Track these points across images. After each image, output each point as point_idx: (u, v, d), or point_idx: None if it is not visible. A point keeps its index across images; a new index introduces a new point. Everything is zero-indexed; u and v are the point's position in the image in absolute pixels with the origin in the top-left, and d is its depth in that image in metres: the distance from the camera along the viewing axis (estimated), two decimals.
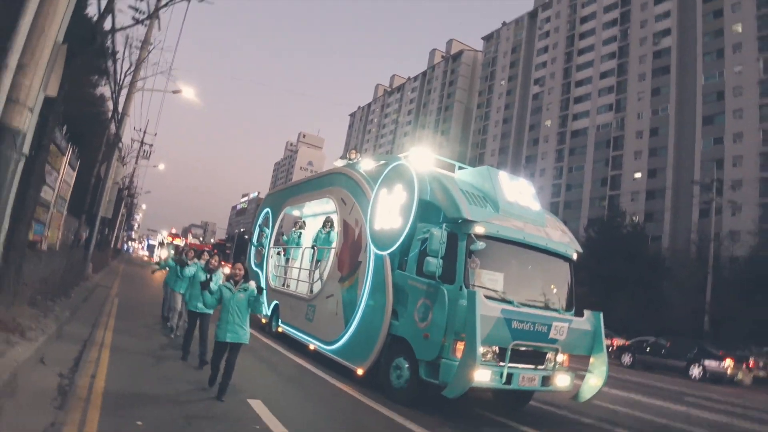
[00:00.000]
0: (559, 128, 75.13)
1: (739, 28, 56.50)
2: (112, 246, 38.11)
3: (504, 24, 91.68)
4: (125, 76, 17.38)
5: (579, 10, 77.30)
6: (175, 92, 24.19)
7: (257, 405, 5.43)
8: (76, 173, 15.91)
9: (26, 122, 5.62)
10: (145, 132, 32.83)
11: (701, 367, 21.25)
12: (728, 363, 21.62)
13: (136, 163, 36.61)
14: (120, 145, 23.90)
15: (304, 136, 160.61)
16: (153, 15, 13.49)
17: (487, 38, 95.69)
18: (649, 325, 33.23)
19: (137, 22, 13.38)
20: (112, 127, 20.94)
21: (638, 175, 63.04)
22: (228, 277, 6.29)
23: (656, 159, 62.41)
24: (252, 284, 6.20)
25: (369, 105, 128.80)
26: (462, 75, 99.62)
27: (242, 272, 6.08)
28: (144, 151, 33.99)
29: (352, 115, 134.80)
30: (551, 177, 74.33)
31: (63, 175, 13.45)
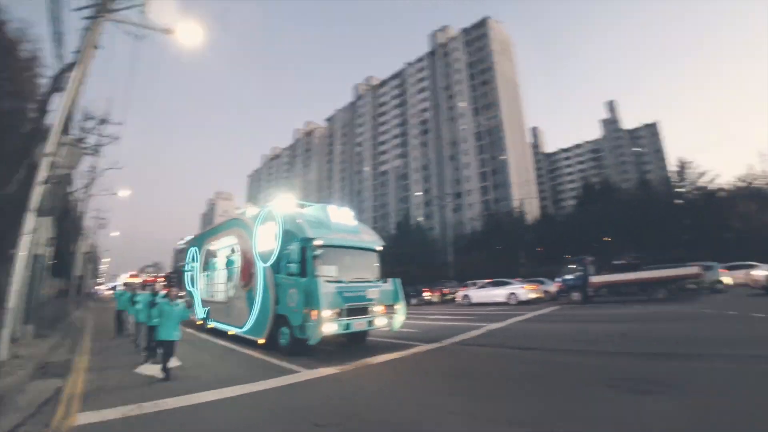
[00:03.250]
0: (373, 171, 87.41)
1: (461, 104, 71.39)
2: (83, 292, 36.78)
3: (336, 110, 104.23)
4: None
5: (378, 99, 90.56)
6: (115, 194, 25.25)
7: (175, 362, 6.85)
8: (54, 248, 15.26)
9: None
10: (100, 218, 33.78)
11: (420, 297, 27.45)
12: (429, 294, 27.88)
13: (95, 233, 36.94)
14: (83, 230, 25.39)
15: (219, 193, 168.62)
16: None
17: (329, 119, 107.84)
18: (428, 279, 37.18)
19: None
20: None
21: (418, 193, 75.34)
22: (167, 297, 6.97)
23: (427, 182, 74.78)
24: (181, 302, 7.02)
25: (259, 169, 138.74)
26: (315, 144, 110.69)
27: (176, 292, 7.01)
28: (101, 223, 34.85)
29: (250, 176, 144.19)
30: (372, 200, 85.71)
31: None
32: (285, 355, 8.11)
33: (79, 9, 8.18)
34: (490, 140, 67.72)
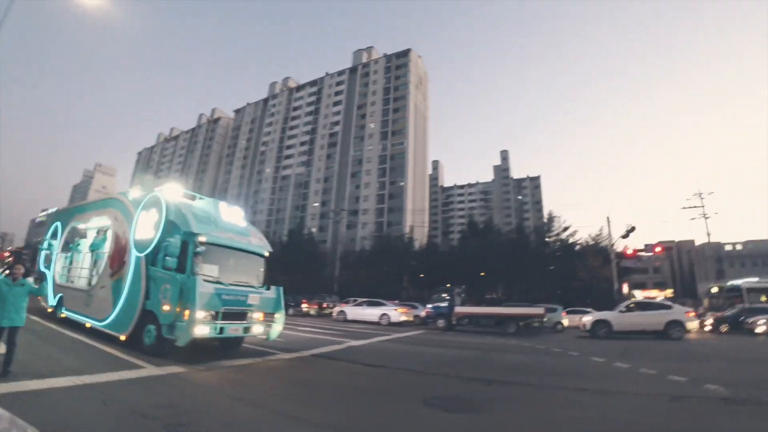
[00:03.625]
0: (274, 173, 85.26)
1: (372, 125, 73.46)
2: None
3: (248, 104, 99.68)
4: None
5: (293, 102, 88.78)
6: None
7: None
8: None
9: None
10: None
11: (298, 308, 26.60)
12: (306, 306, 27.31)
13: None
14: None
15: (100, 165, 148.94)
16: None
17: (237, 111, 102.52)
18: (313, 290, 36.61)
19: None
20: None
21: (316, 204, 75.28)
22: (8, 275, 5.84)
23: (326, 195, 75.05)
24: (29, 279, 6.21)
25: (152, 147, 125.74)
26: (219, 134, 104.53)
27: (21, 271, 5.90)
28: None
29: (140, 153, 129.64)
30: (269, 203, 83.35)
31: None
32: (148, 354, 7.54)
33: None
34: (393, 165, 70.56)
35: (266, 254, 9.69)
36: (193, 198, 10.03)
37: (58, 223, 13.71)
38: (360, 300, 24.13)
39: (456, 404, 5.38)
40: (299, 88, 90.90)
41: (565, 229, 43.97)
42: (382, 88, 76.43)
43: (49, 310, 12.04)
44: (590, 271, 36.34)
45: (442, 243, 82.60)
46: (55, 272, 12.73)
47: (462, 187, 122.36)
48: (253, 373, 7.07)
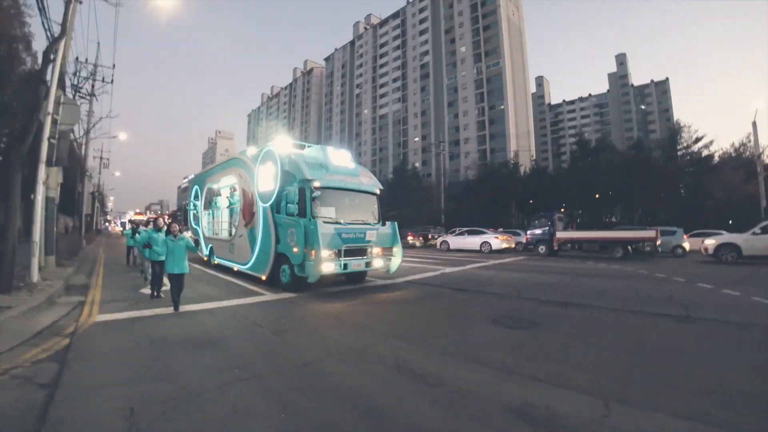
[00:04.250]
0: (372, 114, 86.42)
1: (463, 49, 69.46)
2: (94, 228, 41.61)
3: (335, 49, 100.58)
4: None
5: (378, 39, 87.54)
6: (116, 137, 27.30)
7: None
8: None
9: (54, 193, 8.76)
10: (102, 159, 36.42)
11: (404, 240, 25.58)
12: (412, 238, 28.84)
13: (99, 173, 39.45)
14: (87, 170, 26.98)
15: (219, 132, 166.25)
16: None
17: (327, 59, 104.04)
18: (421, 224, 39.49)
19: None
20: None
21: (416, 139, 75.33)
22: (168, 233, 7.05)
23: (425, 128, 74.50)
24: (186, 234, 7.38)
25: (258, 107, 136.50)
26: (314, 84, 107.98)
27: (177, 229, 7.04)
28: (104, 164, 37.45)
29: (249, 115, 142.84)
30: (371, 143, 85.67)
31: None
32: (286, 290, 8.59)
33: None
34: (490, 88, 66.41)
35: (377, 192, 10.06)
36: (302, 147, 10.68)
37: (197, 187, 15.52)
38: (462, 230, 24.59)
39: (518, 323, 5.87)
40: (382, 23, 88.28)
41: (697, 140, 37.81)
42: (469, 5, 70.58)
43: (205, 258, 14.07)
44: (728, 189, 31.47)
45: (553, 165, 77.79)
46: (203, 227, 14.59)
47: (572, 102, 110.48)
48: (345, 295, 8.32)
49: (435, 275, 11.72)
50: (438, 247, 25.03)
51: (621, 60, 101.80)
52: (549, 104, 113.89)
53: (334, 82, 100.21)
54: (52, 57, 9.02)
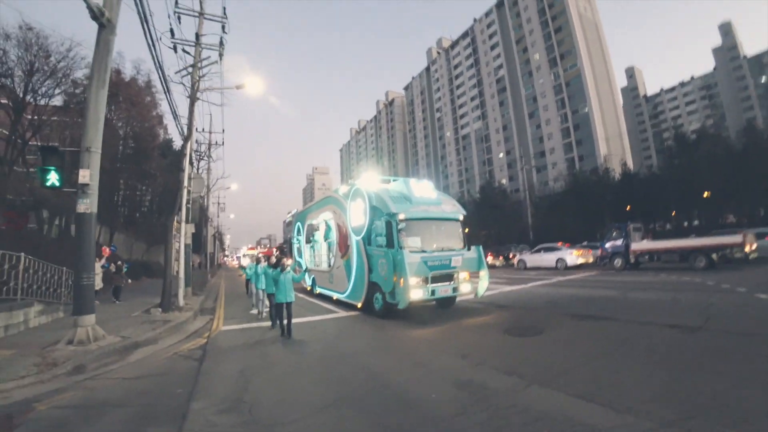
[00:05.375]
0: (454, 135, 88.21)
1: (536, 56, 68.58)
2: (216, 264, 50.84)
3: (413, 78, 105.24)
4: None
5: (452, 61, 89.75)
6: (229, 188, 36.68)
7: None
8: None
9: (189, 240, 21.45)
10: (219, 205, 43.49)
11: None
12: (491, 258, 29.61)
13: (218, 217, 48.51)
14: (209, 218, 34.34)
15: (316, 168, 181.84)
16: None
17: (406, 87, 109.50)
18: (508, 240, 41.33)
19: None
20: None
21: (501, 155, 75.25)
22: (276, 266, 8.21)
23: (509, 143, 73.97)
24: (288, 268, 8.17)
25: (348, 141, 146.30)
26: (397, 113, 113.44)
27: (288, 263, 8.20)
28: (221, 208, 44.37)
29: (341, 150, 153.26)
30: (456, 165, 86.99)
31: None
32: (379, 317, 9.43)
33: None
34: (570, 92, 64.37)
35: (461, 218, 10.42)
36: (387, 182, 11.32)
37: (299, 223, 17.06)
38: (539, 247, 24.79)
39: (526, 331, 7.02)
40: (453, 45, 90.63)
41: None
42: (536, 10, 69.66)
43: (308, 288, 15.52)
44: None
45: (661, 163, 70.85)
46: (305, 260, 16.03)
47: (672, 89, 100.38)
48: (398, 314, 9.50)
49: (490, 293, 12.17)
50: (515, 266, 25.34)
51: (726, 30, 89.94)
52: (645, 96, 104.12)
53: (415, 110, 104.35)
54: (185, 152, 13.08)
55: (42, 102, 19.11)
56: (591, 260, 21.89)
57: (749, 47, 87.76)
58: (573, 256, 21.52)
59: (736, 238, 15.69)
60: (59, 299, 10.90)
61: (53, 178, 7.29)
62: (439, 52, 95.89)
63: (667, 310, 8.23)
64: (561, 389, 4.08)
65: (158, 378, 5.59)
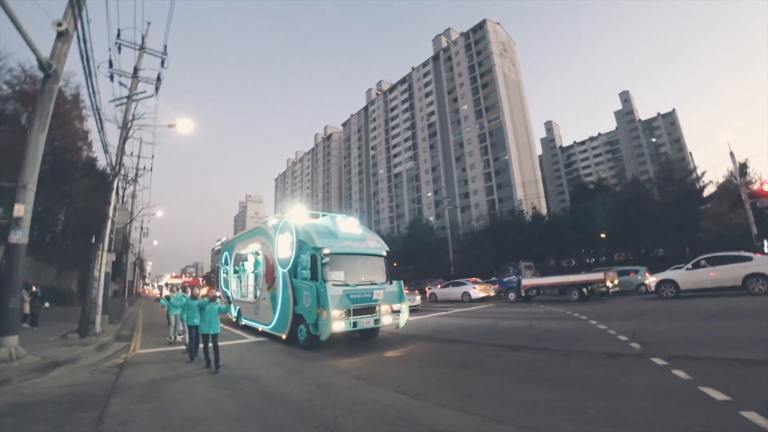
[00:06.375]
0: (387, 173, 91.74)
1: (465, 107, 74.50)
2: (135, 292, 49.65)
3: (351, 115, 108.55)
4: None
5: (389, 104, 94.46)
6: (154, 214, 36.83)
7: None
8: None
9: (108, 269, 20.03)
10: (142, 230, 40.26)
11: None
12: (408, 292, 27.77)
13: (140, 243, 45.48)
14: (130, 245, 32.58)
15: (249, 196, 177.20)
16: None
17: (344, 124, 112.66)
18: (435, 274, 42.38)
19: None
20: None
21: (429, 194, 79.36)
22: (205, 297, 8.31)
23: (437, 183, 78.51)
24: (218, 301, 8.15)
25: (284, 171, 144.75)
26: (334, 148, 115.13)
27: (213, 294, 8.57)
28: (144, 233, 41.60)
29: (276, 180, 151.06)
30: (387, 201, 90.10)
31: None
32: (303, 348, 9.50)
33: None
34: (493, 141, 70.23)
35: (384, 253, 10.72)
36: (316, 216, 11.81)
37: (227, 252, 16.78)
38: (447, 282, 27.02)
39: (397, 350, 8.89)
40: (392, 89, 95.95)
41: (689, 173, 38.95)
42: (467, 67, 76.61)
43: (233, 320, 15.50)
44: (715, 219, 31.57)
45: (564, 208, 78.09)
46: (232, 290, 15.82)
47: (582, 143, 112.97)
48: (317, 342, 9.71)
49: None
50: (428, 299, 27.02)
51: (625, 97, 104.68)
52: (561, 147, 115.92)
53: (352, 146, 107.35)
54: (113, 187, 13.85)
55: None
56: (493, 294, 24.21)
57: (644, 112, 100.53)
58: (476, 291, 23.70)
59: (599, 276, 18.52)
60: None
61: None
62: (377, 93, 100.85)
63: (516, 335, 10.00)
64: (390, 388, 5.71)
65: (81, 386, 6.60)
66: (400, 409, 4.64)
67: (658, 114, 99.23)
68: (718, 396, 4.22)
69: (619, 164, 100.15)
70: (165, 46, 14.75)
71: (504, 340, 9.42)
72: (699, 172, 38.97)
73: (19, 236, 8.06)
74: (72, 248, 30.99)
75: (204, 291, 14.42)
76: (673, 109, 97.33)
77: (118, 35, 13.76)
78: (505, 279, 22.41)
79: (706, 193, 36.79)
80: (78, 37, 8.51)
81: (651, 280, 17.13)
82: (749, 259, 14.57)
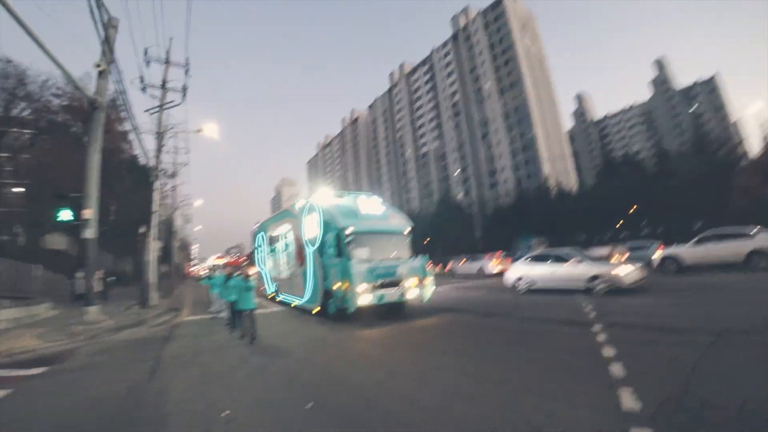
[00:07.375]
0: (415, 153, 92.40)
1: (487, 85, 73.53)
2: (182, 273, 54.65)
3: (376, 98, 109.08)
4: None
5: (412, 86, 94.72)
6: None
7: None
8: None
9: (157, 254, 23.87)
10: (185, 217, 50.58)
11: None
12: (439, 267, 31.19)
13: (185, 231, 54.45)
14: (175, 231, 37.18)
15: (284, 179, 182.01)
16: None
17: (370, 106, 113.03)
18: (464, 251, 39.10)
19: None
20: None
21: (457, 172, 79.72)
22: (239, 275, 8.73)
23: (464, 161, 78.59)
24: (252, 279, 8.72)
25: (316, 155, 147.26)
26: (361, 131, 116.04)
27: (247, 273, 8.68)
28: (187, 219, 45.38)
29: (308, 163, 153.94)
30: (416, 180, 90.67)
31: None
32: (333, 320, 10.01)
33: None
34: (518, 118, 68.94)
35: (406, 231, 11.15)
36: (340, 197, 11.86)
37: (262, 233, 17.51)
38: (466, 256, 27.83)
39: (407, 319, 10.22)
40: (413, 71, 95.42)
41: (721, 144, 36.83)
42: (487, 45, 75.27)
43: (270, 296, 16.20)
44: (746, 193, 29.06)
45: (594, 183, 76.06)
46: (268, 268, 16.51)
47: (615, 115, 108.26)
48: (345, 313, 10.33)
49: None
50: (448, 273, 28.12)
51: (660, 65, 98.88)
52: (592, 120, 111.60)
53: (378, 128, 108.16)
54: (154, 188, 16.57)
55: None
56: (507, 268, 24.82)
57: (685, 79, 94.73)
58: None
59: (604, 251, 18.87)
60: (62, 300, 14.82)
61: (65, 215, 10.71)
62: (400, 77, 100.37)
63: (504, 305, 11.03)
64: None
65: (147, 337, 9.26)
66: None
67: (696, 82, 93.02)
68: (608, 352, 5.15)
69: (655, 136, 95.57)
70: (187, 59, 16.44)
71: (485, 308, 10.81)
72: (740, 141, 36.57)
73: (90, 232, 10.40)
74: (125, 237, 34.27)
75: (252, 271, 15.75)
76: (712, 76, 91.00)
77: (145, 53, 15.80)
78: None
79: (742, 164, 34.56)
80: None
81: (656, 256, 16.50)
82: (751, 235, 14.00)
